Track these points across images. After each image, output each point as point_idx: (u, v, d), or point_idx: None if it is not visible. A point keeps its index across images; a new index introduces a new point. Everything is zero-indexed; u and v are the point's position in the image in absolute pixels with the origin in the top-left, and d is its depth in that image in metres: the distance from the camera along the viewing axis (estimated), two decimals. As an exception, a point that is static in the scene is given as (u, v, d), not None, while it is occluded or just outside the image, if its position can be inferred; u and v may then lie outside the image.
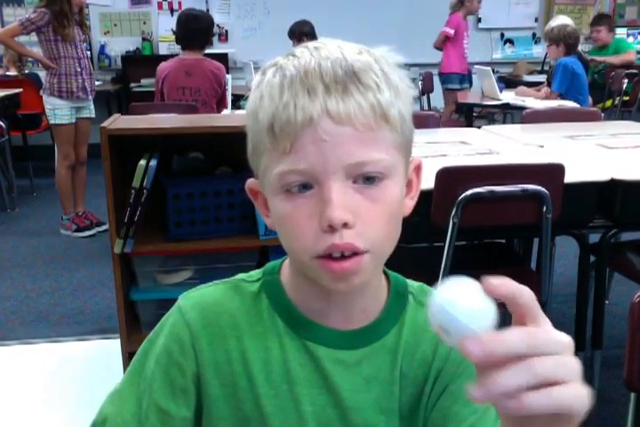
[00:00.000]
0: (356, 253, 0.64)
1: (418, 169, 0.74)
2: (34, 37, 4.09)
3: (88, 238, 4.22)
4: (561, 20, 4.78)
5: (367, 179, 0.64)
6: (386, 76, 0.66)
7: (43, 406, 1.01)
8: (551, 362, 0.49)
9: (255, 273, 0.78)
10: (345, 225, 0.62)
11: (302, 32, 5.31)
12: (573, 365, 0.50)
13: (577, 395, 0.51)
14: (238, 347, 0.72)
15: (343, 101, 0.62)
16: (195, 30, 3.66)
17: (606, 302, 2.59)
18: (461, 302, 0.50)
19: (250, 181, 0.73)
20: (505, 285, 0.50)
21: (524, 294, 0.51)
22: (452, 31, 5.66)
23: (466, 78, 5.79)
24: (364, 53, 0.68)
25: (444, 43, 5.72)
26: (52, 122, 4.14)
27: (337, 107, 0.62)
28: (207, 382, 0.72)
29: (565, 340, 0.51)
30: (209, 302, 0.75)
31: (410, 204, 0.74)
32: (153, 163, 1.80)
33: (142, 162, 1.80)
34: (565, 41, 4.24)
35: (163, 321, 0.76)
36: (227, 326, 0.73)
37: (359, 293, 0.72)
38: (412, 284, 0.79)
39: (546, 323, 0.53)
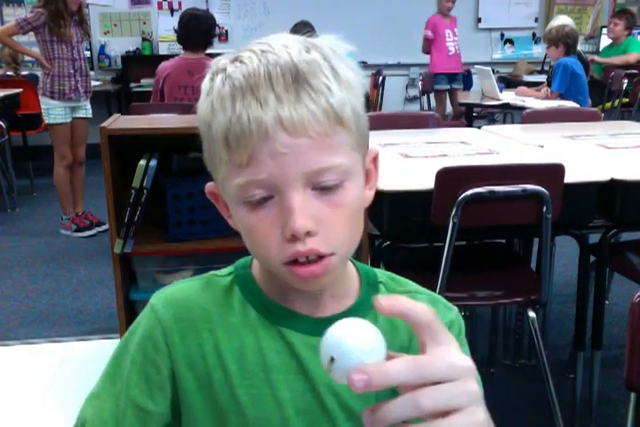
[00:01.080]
0: (321, 256, 0.65)
1: (375, 159, 0.75)
2: (33, 37, 4.09)
3: (88, 238, 4.22)
4: (561, 20, 4.78)
5: (326, 184, 0.64)
6: (335, 73, 0.65)
7: (43, 406, 1.01)
8: (442, 393, 0.49)
9: (227, 269, 0.79)
10: (308, 233, 0.63)
11: (302, 32, 5.32)
12: (470, 390, 0.50)
13: (470, 423, 0.50)
14: (211, 339, 0.73)
15: (296, 111, 0.62)
16: (196, 30, 3.66)
17: (606, 302, 2.59)
18: (352, 336, 0.51)
19: (209, 185, 0.74)
20: (395, 304, 0.51)
21: (417, 312, 0.52)
22: (429, 33, 5.72)
23: (457, 78, 5.76)
24: (311, 51, 0.66)
25: (428, 45, 5.77)
26: (46, 122, 4.17)
27: (290, 117, 0.62)
28: (182, 376, 0.73)
29: (463, 364, 0.51)
30: (180, 298, 0.75)
31: (369, 194, 0.74)
32: (153, 163, 1.80)
33: (142, 162, 1.80)
34: (564, 41, 4.24)
35: (136, 321, 0.77)
36: (199, 320, 0.74)
37: (327, 286, 0.73)
38: (382, 274, 0.80)
39: (448, 343, 0.52)
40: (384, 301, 0.52)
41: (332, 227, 0.65)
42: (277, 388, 0.72)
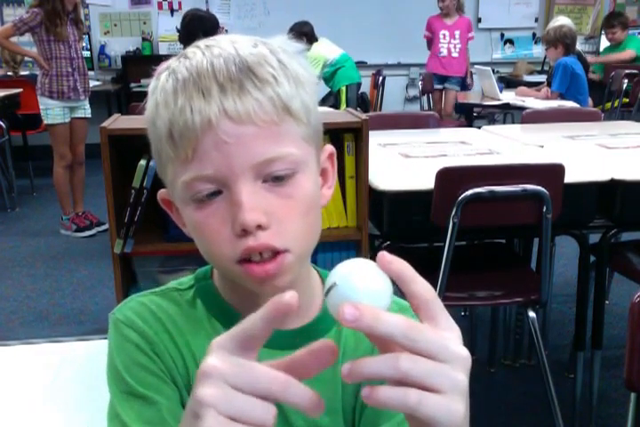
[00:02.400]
0: (276, 253, 0.62)
1: (331, 157, 0.72)
2: (31, 37, 4.10)
3: (88, 238, 4.22)
4: (560, 20, 4.78)
5: (276, 175, 0.62)
6: (284, 66, 0.64)
7: (43, 406, 1.01)
8: (425, 365, 0.45)
9: (187, 280, 0.76)
10: (259, 227, 0.61)
11: (302, 32, 5.32)
12: (456, 378, 0.46)
13: (445, 409, 0.45)
14: (189, 353, 0.71)
15: (240, 100, 0.60)
16: (198, 31, 3.66)
17: (606, 302, 2.59)
18: (366, 274, 0.49)
19: (161, 192, 0.71)
20: (397, 262, 0.49)
21: (417, 282, 0.48)
22: (426, 33, 5.79)
23: (450, 79, 5.76)
24: (259, 46, 0.65)
25: (428, 45, 5.83)
26: (45, 122, 4.17)
27: (235, 106, 0.60)
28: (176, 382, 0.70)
29: (460, 352, 0.47)
30: (150, 311, 0.72)
31: (327, 193, 0.72)
32: (153, 163, 1.80)
33: (142, 162, 1.79)
34: (563, 41, 4.25)
35: (111, 347, 0.72)
36: (175, 334, 0.71)
37: (289, 289, 0.70)
38: None
39: (447, 328, 0.48)
40: (390, 256, 0.49)
41: (285, 220, 0.62)
42: None
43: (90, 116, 4.27)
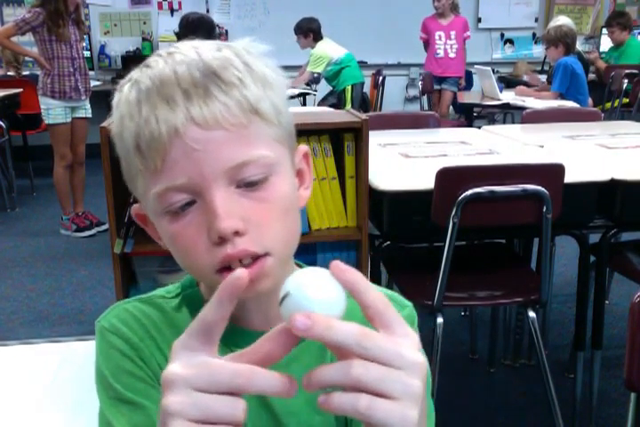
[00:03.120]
0: (256, 258, 0.61)
1: (306, 157, 0.71)
2: (32, 37, 4.10)
3: (88, 238, 4.22)
4: (561, 20, 4.78)
5: (250, 179, 0.61)
6: (250, 68, 0.63)
7: (43, 406, 1.01)
8: (377, 371, 0.45)
9: (173, 288, 0.75)
10: (236, 233, 0.59)
11: (310, 28, 5.36)
12: (410, 384, 0.46)
13: (398, 414, 0.45)
14: None
15: (207, 105, 0.59)
16: (197, 32, 3.67)
17: (606, 302, 2.59)
18: (319, 283, 0.48)
19: (134, 207, 0.69)
20: (350, 272, 0.48)
21: (370, 292, 0.48)
22: (421, 34, 5.81)
23: (447, 80, 5.76)
24: (223, 50, 0.64)
25: (425, 46, 5.86)
26: (46, 122, 4.17)
27: (201, 112, 0.59)
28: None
29: (415, 358, 0.47)
30: (135, 318, 0.71)
31: (305, 194, 0.71)
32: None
33: (142, 162, 1.80)
34: (564, 41, 4.25)
35: (98, 354, 0.72)
36: (160, 340, 0.70)
37: (274, 293, 0.70)
38: None
39: (402, 335, 0.48)
40: (343, 265, 0.48)
41: (263, 224, 0.61)
42: None
43: (90, 116, 4.27)
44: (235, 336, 0.69)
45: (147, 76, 0.62)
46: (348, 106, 5.43)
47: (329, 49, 5.49)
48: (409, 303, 0.76)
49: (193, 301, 0.73)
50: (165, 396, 0.47)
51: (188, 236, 0.61)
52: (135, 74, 0.64)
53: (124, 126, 0.62)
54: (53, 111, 4.07)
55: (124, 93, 0.64)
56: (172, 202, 0.61)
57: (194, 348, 0.49)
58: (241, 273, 0.47)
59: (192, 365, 0.48)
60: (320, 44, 5.47)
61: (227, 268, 0.61)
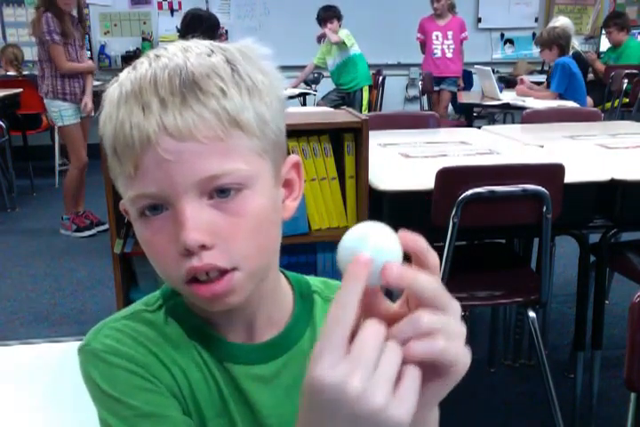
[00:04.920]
0: (223, 272, 0.60)
1: (297, 167, 0.69)
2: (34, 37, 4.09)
3: (88, 238, 4.22)
4: (561, 20, 4.79)
5: (222, 192, 0.60)
6: (238, 76, 0.61)
7: (43, 406, 1.01)
8: (442, 318, 0.49)
9: (153, 299, 0.73)
10: (202, 247, 0.59)
11: (329, 16, 5.43)
12: (462, 327, 0.51)
13: (462, 351, 0.50)
14: (180, 370, 0.68)
15: (181, 115, 0.58)
16: (198, 30, 3.65)
17: (606, 302, 2.59)
18: (373, 237, 0.52)
19: (122, 203, 0.67)
20: (419, 241, 0.54)
21: (430, 260, 0.53)
22: (418, 34, 5.85)
23: (446, 80, 5.77)
24: (215, 54, 0.62)
25: (421, 46, 5.90)
26: (59, 124, 4.14)
27: (175, 122, 0.58)
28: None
29: (457, 305, 0.52)
30: (130, 336, 0.69)
31: (292, 205, 0.68)
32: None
33: (142, 162, 1.80)
34: (557, 42, 4.25)
35: (97, 379, 0.67)
36: (161, 355, 0.69)
37: (256, 304, 0.68)
38: (315, 281, 0.76)
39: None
40: (411, 234, 0.55)
41: (232, 239, 0.60)
42: (235, 420, 0.69)
43: (94, 114, 4.26)
44: (224, 350, 0.69)
45: (129, 78, 0.61)
46: (365, 108, 5.47)
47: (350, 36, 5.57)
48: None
49: (177, 312, 0.71)
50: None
51: (159, 243, 0.61)
52: (122, 74, 0.63)
53: (105, 127, 0.62)
54: (66, 113, 4.06)
55: (110, 93, 0.63)
56: (144, 206, 0.61)
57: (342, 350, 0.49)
58: (362, 257, 0.50)
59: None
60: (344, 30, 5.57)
61: (194, 279, 0.60)
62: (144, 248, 0.64)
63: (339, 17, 5.53)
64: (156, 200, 0.60)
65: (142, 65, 0.62)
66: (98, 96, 4.53)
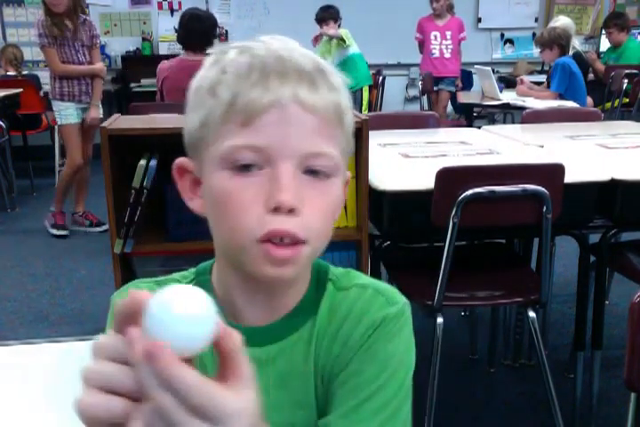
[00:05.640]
0: (295, 242, 0.63)
1: (346, 183, 0.72)
2: (35, 38, 4.09)
3: (88, 238, 4.21)
4: (562, 20, 4.79)
5: (312, 172, 0.64)
6: (345, 82, 0.68)
7: (43, 406, 1.01)
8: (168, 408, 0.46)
9: (189, 273, 0.78)
10: (291, 211, 0.62)
11: (338, 17, 5.41)
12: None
13: None
14: None
15: (312, 94, 0.63)
16: (196, 31, 3.65)
17: (606, 302, 2.59)
18: (176, 306, 0.46)
19: (181, 160, 0.70)
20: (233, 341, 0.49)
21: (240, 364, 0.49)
22: (417, 34, 5.87)
23: (444, 80, 5.76)
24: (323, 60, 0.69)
25: (420, 46, 5.91)
26: (59, 123, 4.16)
27: (306, 94, 0.62)
28: None
29: (229, 407, 0.47)
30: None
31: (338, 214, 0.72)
32: (153, 163, 1.80)
33: (142, 162, 1.79)
34: (557, 43, 4.25)
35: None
36: None
37: (286, 287, 0.71)
38: (335, 270, 0.77)
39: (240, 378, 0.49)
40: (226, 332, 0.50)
41: (313, 213, 0.63)
42: None
43: (102, 115, 4.25)
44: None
45: (263, 48, 0.65)
46: (366, 108, 5.46)
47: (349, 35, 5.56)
48: (401, 300, 0.74)
49: (203, 288, 0.73)
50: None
51: (244, 197, 0.63)
52: (249, 43, 0.66)
53: (225, 81, 0.63)
54: (65, 112, 4.07)
55: (232, 56, 0.65)
56: (243, 157, 0.62)
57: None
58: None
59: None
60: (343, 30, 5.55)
61: (266, 240, 0.63)
62: (218, 200, 0.64)
63: (335, 18, 5.50)
64: (257, 154, 0.62)
65: (272, 43, 0.66)
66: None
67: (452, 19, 5.75)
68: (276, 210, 0.61)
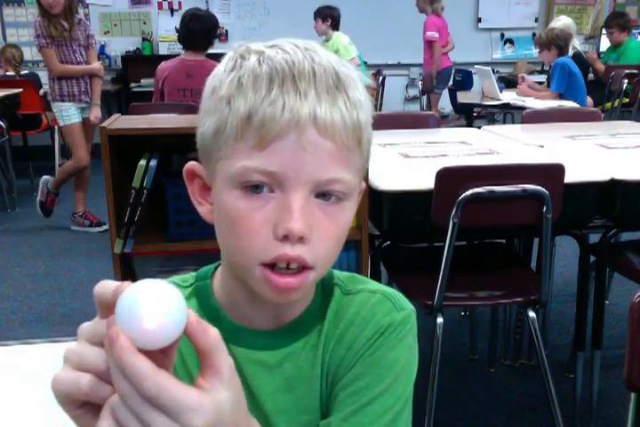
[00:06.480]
0: (302, 268, 0.62)
1: (360, 193, 0.72)
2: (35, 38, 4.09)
3: (88, 238, 4.21)
4: (562, 19, 4.79)
5: (324, 195, 0.63)
6: (366, 96, 0.65)
7: (43, 406, 1.01)
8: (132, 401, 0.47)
9: (189, 277, 0.76)
10: (301, 239, 0.61)
11: (331, 14, 5.46)
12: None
13: None
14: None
15: (331, 113, 0.60)
16: (197, 31, 3.65)
17: (606, 302, 2.59)
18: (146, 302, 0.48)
19: (192, 164, 0.68)
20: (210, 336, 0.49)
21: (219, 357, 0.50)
22: (435, 34, 5.83)
23: (441, 80, 5.79)
24: (346, 65, 0.65)
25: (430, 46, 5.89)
26: (61, 124, 4.15)
27: (325, 115, 0.60)
28: None
29: (188, 402, 0.47)
30: None
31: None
32: (153, 163, 1.80)
33: (142, 162, 1.79)
34: (556, 43, 4.26)
35: None
36: None
37: (292, 302, 0.70)
38: (340, 275, 0.77)
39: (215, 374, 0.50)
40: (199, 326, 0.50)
41: (323, 240, 0.63)
42: None
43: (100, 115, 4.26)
44: (233, 333, 0.70)
45: (282, 58, 0.62)
46: None
47: (343, 41, 5.53)
48: (408, 306, 0.74)
49: (202, 293, 0.74)
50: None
51: (253, 220, 0.61)
52: (267, 51, 0.63)
53: (242, 93, 0.61)
54: (66, 113, 4.07)
55: (250, 64, 0.62)
56: (254, 180, 0.61)
57: None
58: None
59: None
60: (339, 35, 5.50)
61: (272, 265, 0.62)
62: (228, 220, 0.63)
63: (323, 17, 5.49)
64: (268, 179, 0.61)
65: (295, 52, 0.62)
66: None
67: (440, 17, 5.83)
68: (285, 238, 0.60)
